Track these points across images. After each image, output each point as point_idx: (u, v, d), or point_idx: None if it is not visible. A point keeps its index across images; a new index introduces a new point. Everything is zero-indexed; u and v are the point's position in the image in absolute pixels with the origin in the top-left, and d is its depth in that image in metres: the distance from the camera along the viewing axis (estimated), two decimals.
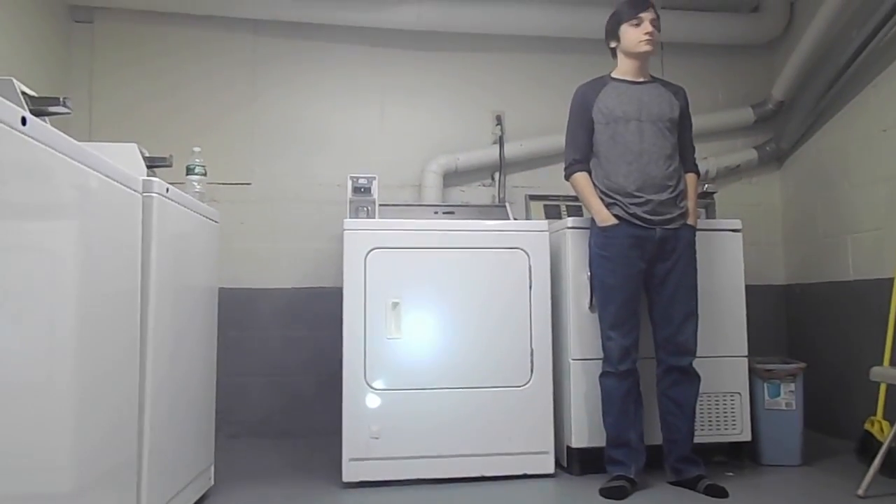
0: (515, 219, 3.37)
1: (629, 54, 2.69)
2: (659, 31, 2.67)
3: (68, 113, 1.75)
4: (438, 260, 2.80)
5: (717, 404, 2.90)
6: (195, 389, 2.36)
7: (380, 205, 3.07)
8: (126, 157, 2.07)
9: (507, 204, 3.56)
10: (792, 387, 2.92)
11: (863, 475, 2.45)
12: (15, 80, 1.66)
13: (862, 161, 3.35)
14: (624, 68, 2.71)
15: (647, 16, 2.63)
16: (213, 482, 2.56)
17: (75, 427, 1.49)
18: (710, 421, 2.89)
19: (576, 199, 3.29)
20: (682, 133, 2.72)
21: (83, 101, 3.55)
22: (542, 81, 3.90)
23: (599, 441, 2.70)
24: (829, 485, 2.65)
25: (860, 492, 2.43)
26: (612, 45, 2.74)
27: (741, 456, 2.95)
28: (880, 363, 2.81)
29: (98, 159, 1.58)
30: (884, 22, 3.07)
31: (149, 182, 1.90)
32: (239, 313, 3.53)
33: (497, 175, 3.81)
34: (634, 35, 2.64)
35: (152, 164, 2.29)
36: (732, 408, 2.91)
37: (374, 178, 3.06)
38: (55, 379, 1.40)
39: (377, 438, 2.67)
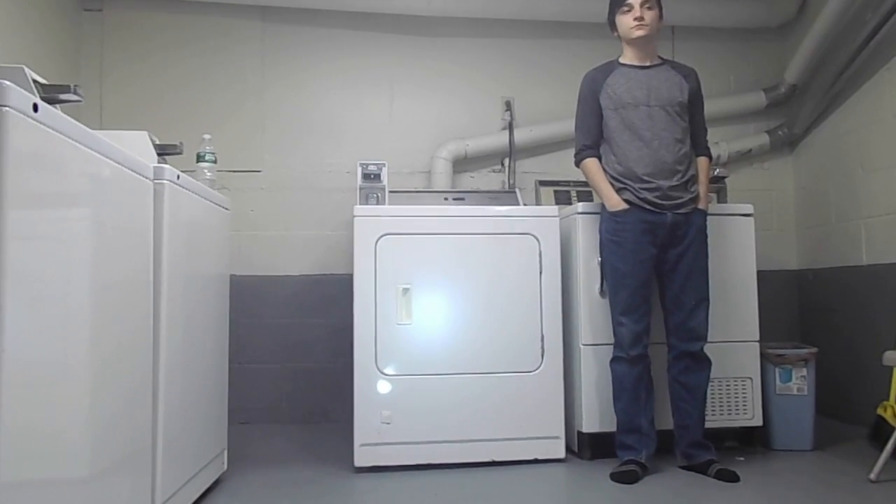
0: (525, 204, 3.36)
1: (627, 41, 2.68)
2: (657, 9, 2.64)
3: (79, 100, 1.75)
4: (448, 246, 2.80)
5: (728, 389, 2.90)
6: (208, 375, 2.38)
7: (390, 191, 3.07)
8: (137, 145, 2.08)
9: (516, 190, 3.55)
10: (804, 372, 2.91)
11: (875, 460, 2.45)
12: (26, 68, 1.67)
13: (875, 145, 3.31)
14: (629, 54, 2.70)
15: (636, 1, 2.60)
16: (226, 467, 2.58)
17: (90, 412, 1.51)
18: (721, 406, 2.89)
19: (586, 184, 3.27)
20: (693, 115, 2.70)
21: (94, 89, 3.56)
22: (552, 67, 3.88)
23: (610, 426, 2.71)
24: (840, 470, 2.65)
25: (872, 476, 2.42)
26: (614, 34, 2.73)
27: (752, 441, 2.95)
28: (893, 348, 2.78)
29: (109, 146, 1.59)
30: None
31: (160, 169, 1.91)
32: (250, 300, 3.54)
33: (507, 161, 3.80)
34: (626, 22, 2.63)
35: (163, 151, 2.30)
36: (744, 393, 2.91)
37: (384, 164, 3.06)
38: (70, 365, 1.42)
39: (388, 424, 2.68)
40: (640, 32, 2.61)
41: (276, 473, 2.70)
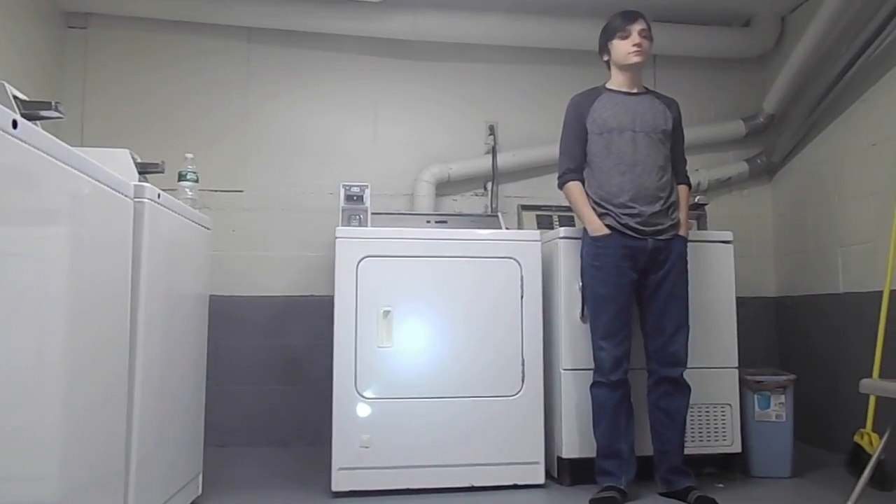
0: (507, 228, 3.37)
1: (620, 67, 2.70)
2: (651, 40, 2.69)
3: (60, 117, 1.74)
4: (430, 269, 2.79)
5: (707, 415, 2.90)
6: (184, 397, 2.34)
7: (372, 213, 3.07)
8: (118, 163, 2.06)
9: (499, 213, 3.57)
10: (782, 398, 2.93)
11: (852, 488, 2.45)
12: (6, 84, 1.66)
13: (852, 175, 3.37)
14: (618, 80, 2.73)
15: (635, 27, 2.64)
16: (200, 491, 2.54)
17: (63, 435, 1.48)
18: (700, 432, 2.89)
19: (568, 209, 3.29)
20: (674, 145, 2.74)
21: (76, 107, 3.54)
22: (536, 92, 3.92)
23: (590, 452, 2.70)
24: (818, 497, 2.65)
25: None
26: (605, 58, 2.76)
27: (731, 467, 2.94)
28: (870, 375, 2.81)
29: (90, 164, 1.57)
30: (874, 37, 3.10)
31: (140, 187, 1.89)
32: (229, 321, 3.51)
33: (490, 185, 3.82)
34: (623, 47, 2.66)
35: (144, 169, 2.29)
36: (723, 419, 2.91)
37: (367, 186, 3.07)
38: (42, 383, 1.39)
39: (367, 448, 2.65)
40: (636, 59, 2.65)
41: (252, 498, 2.66)
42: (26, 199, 1.32)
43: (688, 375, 2.65)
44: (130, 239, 1.84)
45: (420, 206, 3.65)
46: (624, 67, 2.70)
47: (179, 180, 2.64)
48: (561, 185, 2.77)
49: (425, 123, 3.89)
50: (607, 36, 2.72)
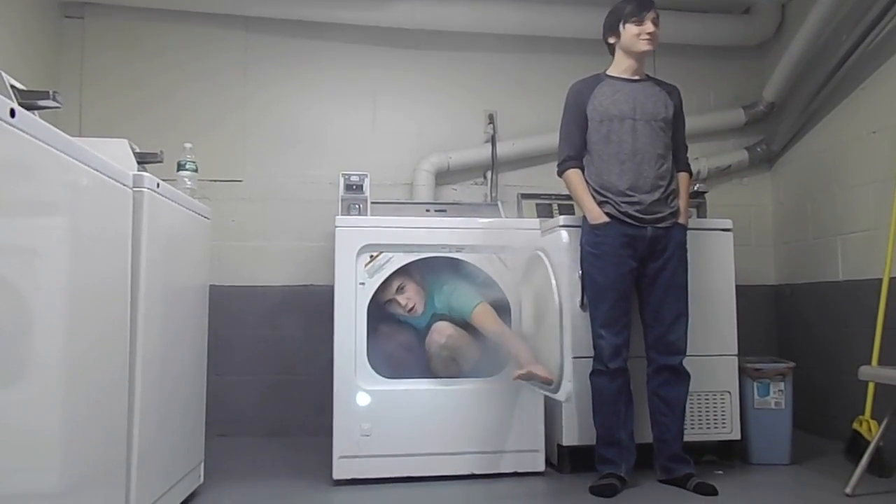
0: (507, 217, 3.36)
1: (629, 52, 2.68)
2: (659, 30, 2.67)
3: (58, 107, 1.73)
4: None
5: (707, 403, 2.91)
6: (185, 387, 2.35)
7: (372, 203, 3.07)
8: (116, 153, 2.06)
9: (499, 202, 3.56)
10: (781, 386, 2.94)
11: (851, 474, 2.47)
12: (4, 73, 1.65)
13: (851, 163, 3.37)
14: (621, 66, 2.71)
15: (649, 15, 2.62)
16: (202, 479, 2.55)
17: (64, 426, 1.48)
18: (700, 419, 2.90)
19: (567, 197, 3.29)
20: (675, 132, 2.73)
21: (73, 97, 3.52)
22: (535, 81, 3.91)
23: (590, 439, 2.70)
24: (817, 484, 2.66)
25: (848, 490, 2.44)
26: (611, 40, 2.72)
27: (731, 455, 2.96)
28: (869, 363, 2.82)
29: (88, 153, 1.57)
30: (873, 25, 3.09)
31: (139, 177, 1.89)
32: (230, 311, 3.51)
33: (489, 174, 3.81)
34: (636, 33, 2.63)
35: (143, 159, 2.28)
36: (722, 407, 2.92)
37: (366, 175, 3.07)
38: (44, 378, 1.39)
39: (368, 436, 2.66)
40: (647, 47, 2.63)
41: (253, 486, 2.67)
42: (24, 189, 1.32)
43: (687, 363, 2.65)
44: (130, 229, 1.84)
45: (419, 196, 3.65)
46: (631, 54, 2.67)
47: (178, 170, 2.64)
48: (560, 173, 2.76)
49: (424, 112, 3.87)
50: (620, 18, 2.65)
